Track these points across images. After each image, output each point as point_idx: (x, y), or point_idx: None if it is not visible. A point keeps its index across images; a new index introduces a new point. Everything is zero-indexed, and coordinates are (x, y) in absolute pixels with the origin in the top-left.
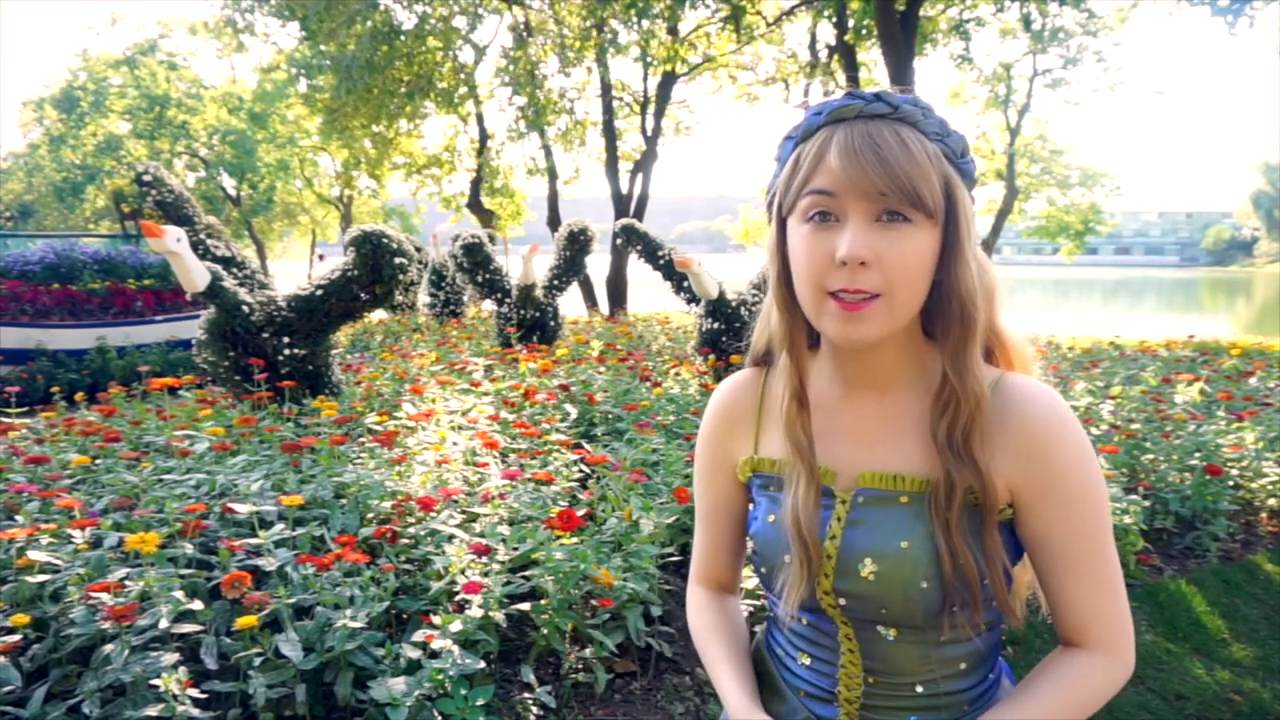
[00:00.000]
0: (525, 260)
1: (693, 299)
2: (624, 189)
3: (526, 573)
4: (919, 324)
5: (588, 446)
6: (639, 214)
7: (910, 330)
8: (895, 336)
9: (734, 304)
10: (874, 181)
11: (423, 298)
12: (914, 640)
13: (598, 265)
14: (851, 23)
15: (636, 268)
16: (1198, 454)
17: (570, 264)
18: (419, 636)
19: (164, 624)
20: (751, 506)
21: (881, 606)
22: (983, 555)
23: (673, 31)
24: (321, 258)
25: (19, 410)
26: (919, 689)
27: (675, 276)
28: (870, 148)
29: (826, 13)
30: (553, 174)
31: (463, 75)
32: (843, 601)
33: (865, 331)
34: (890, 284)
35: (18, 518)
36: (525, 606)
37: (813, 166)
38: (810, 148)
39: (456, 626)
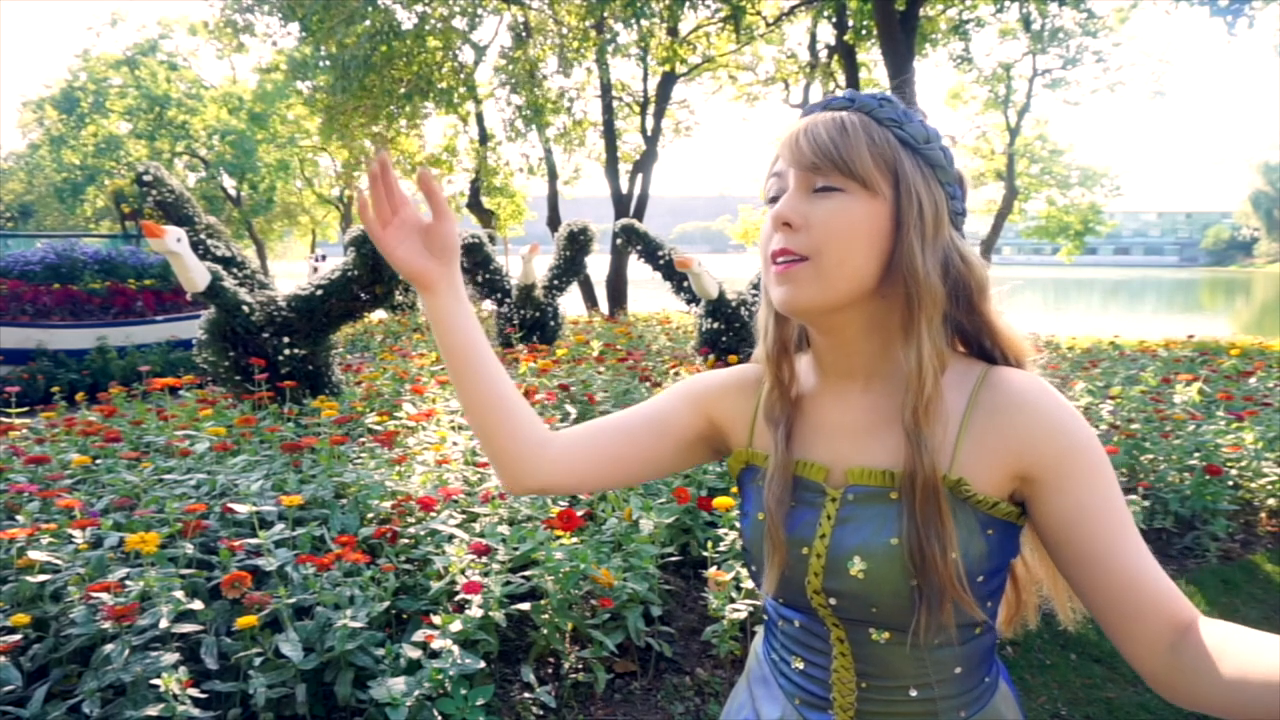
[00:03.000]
0: (525, 260)
1: (693, 299)
2: (624, 189)
3: (526, 573)
4: (893, 309)
5: None
6: (639, 214)
7: (878, 314)
8: (859, 319)
9: (734, 304)
10: (804, 152)
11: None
12: (905, 644)
13: (598, 265)
14: (851, 23)
15: (636, 268)
16: (1197, 454)
17: (570, 264)
18: (419, 636)
19: (164, 624)
20: (740, 501)
21: (872, 606)
22: (989, 553)
23: (672, 32)
24: (323, 258)
25: (19, 410)
26: (913, 693)
27: (675, 276)
28: (808, 126)
29: (826, 13)
30: (552, 174)
31: (462, 75)
32: (833, 601)
33: (797, 295)
34: (817, 246)
35: (18, 518)
36: (525, 606)
37: (775, 153)
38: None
39: (456, 626)
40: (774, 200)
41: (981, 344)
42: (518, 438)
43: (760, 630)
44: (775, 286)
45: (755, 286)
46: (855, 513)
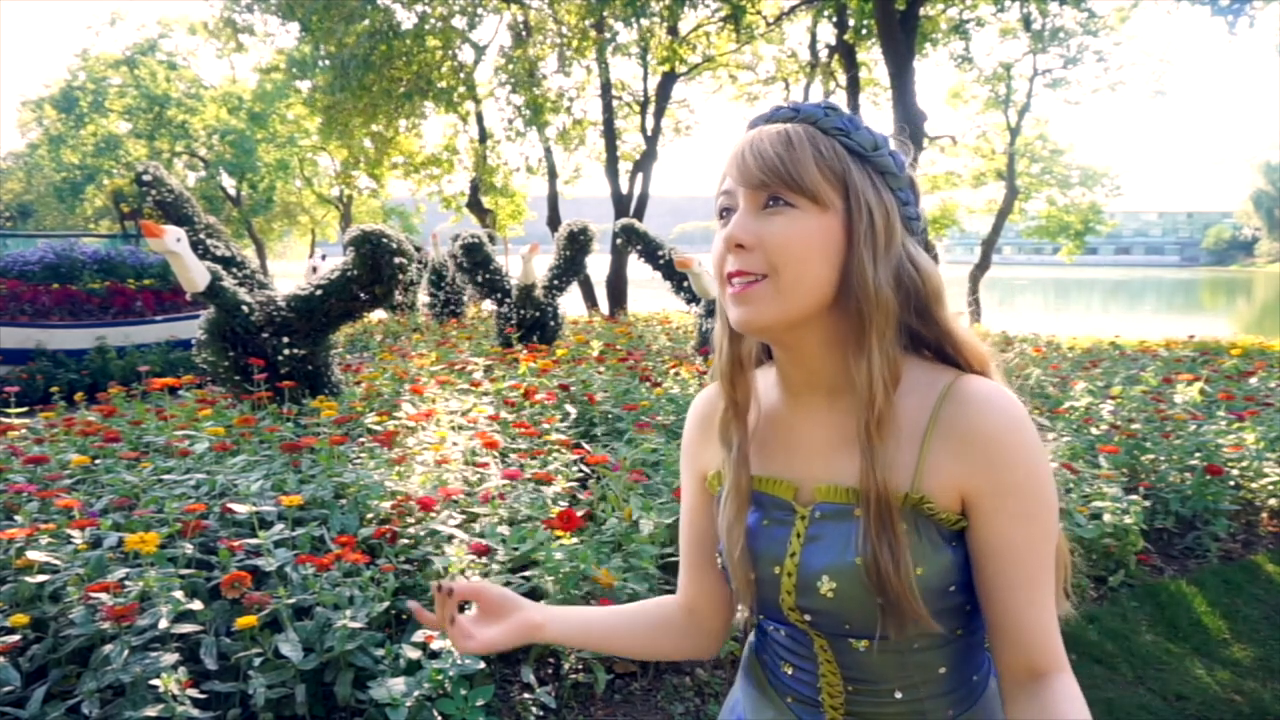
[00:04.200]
0: (525, 260)
1: (693, 299)
2: (624, 189)
3: (526, 573)
4: (851, 323)
5: (588, 446)
6: (639, 214)
7: (837, 328)
8: (818, 334)
9: None
10: (752, 170)
11: (423, 298)
12: (886, 650)
13: (598, 265)
14: (851, 22)
15: (636, 268)
16: (1198, 454)
17: (570, 264)
18: (419, 636)
19: (164, 624)
20: (719, 520)
21: (844, 622)
22: (956, 565)
23: (672, 31)
24: (324, 257)
25: (19, 410)
26: (898, 694)
27: (675, 276)
28: (754, 142)
29: (826, 12)
30: (552, 174)
31: (462, 75)
32: (808, 618)
33: (756, 314)
34: (773, 264)
35: (17, 518)
36: None
37: (723, 170)
38: (726, 156)
39: None
40: (724, 213)
41: (944, 351)
42: (680, 635)
43: (753, 634)
44: (733, 306)
45: None
46: (823, 531)
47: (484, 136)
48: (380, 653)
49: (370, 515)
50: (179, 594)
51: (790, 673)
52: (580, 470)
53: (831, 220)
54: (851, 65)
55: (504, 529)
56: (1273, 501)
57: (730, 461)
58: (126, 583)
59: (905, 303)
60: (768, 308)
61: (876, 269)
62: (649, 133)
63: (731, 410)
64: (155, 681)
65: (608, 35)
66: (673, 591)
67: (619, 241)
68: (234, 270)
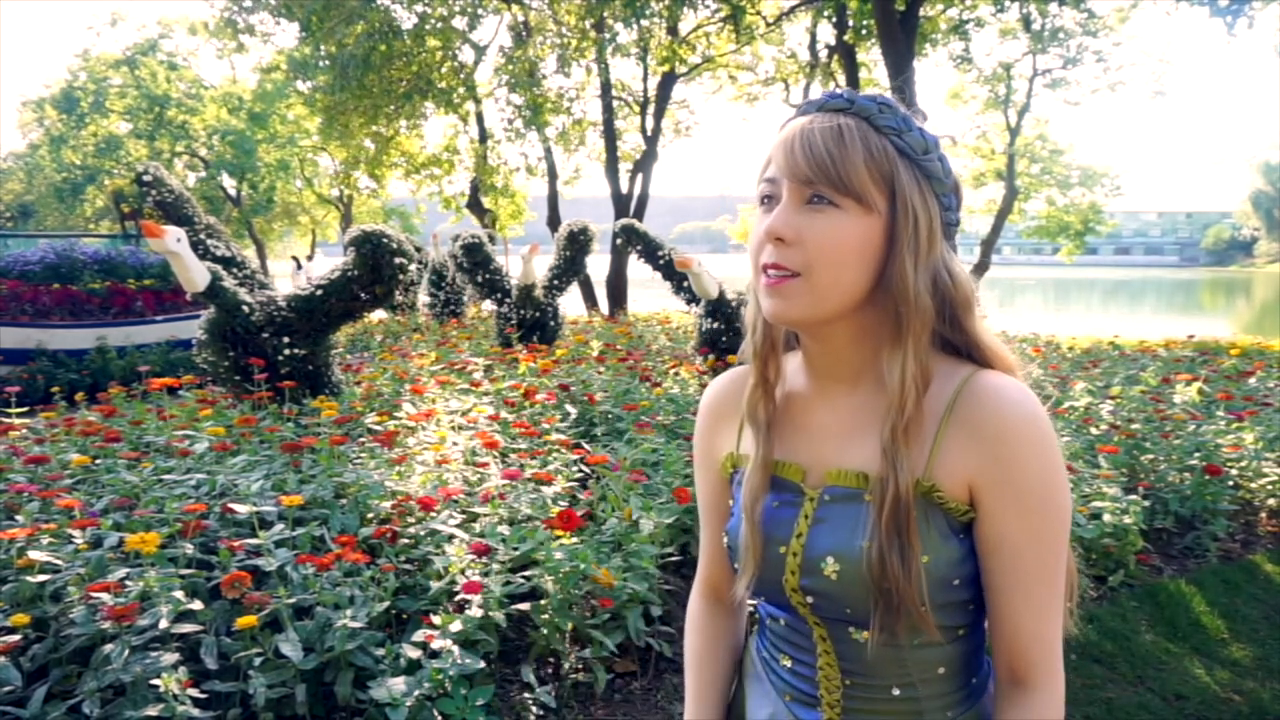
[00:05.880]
0: (525, 260)
1: (693, 299)
2: (624, 189)
3: (526, 573)
4: (883, 318)
5: (588, 446)
6: (639, 214)
7: (867, 322)
8: (849, 327)
9: (734, 304)
10: (800, 165)
11: (423, 298)
12: (885, 643)
13: (598, 265)
14: (851, 23)
15: (636, 268)
16: (1197, 454)
17: (570, 264)
18: (419, 636)
19: (164, 624)
20: (731, 503)
21: (846, 606)
22: (963, 557)
23: (672, 31)
24: (310, 258)
25: (19, 410)
26: (895, 691)
27: (675, 276)
28: (805, 134)
29: (826, 13)
30: (552, 174)
31: (462, 75)
32: (810, 600)
33: (787, 309)
34: (809, 263)
35: (18, 518)
36: (525, 606)
37: (768, 156)
38: (774, 140)
39: (456, 626)
40: (765, 200)
41: (971, 357)
42: (731, 626)
43: (754, 629)
44: (765, 298)
45: None
46: (831, 513)
47: (484, 137)
48: (380, 652)
49: (370, 515)
50: (179, 594)
51: (789, 665)
52: (580, 470)
53: (874, 223)
54: (851, 66)
55: (504, 529)
56: (1271, 501)
57: (758, 438)
58: (127, 583)
59: (940, 310)
60: (799, 304)
61: (917, 274)
62: (649, 133)
63: (761, 388)
64: (155, 681)
65: (607, 35)
66: (673, 590)
67: (619, 241)
68: (234, 270)
